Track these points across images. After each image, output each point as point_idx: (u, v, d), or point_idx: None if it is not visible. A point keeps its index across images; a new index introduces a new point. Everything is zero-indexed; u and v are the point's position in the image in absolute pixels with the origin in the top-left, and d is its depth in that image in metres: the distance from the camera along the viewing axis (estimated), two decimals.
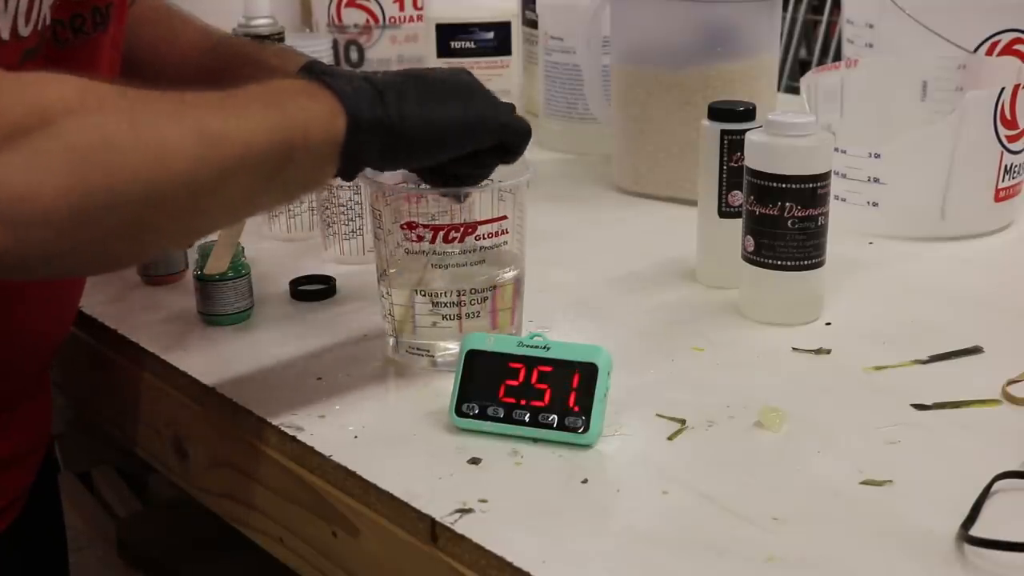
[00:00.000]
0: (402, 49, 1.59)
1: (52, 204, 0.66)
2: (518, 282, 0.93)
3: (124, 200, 0.68)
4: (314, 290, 1.07)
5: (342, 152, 0.78)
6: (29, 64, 0.82)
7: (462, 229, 0.88)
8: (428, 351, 0.92)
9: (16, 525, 0.96)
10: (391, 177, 0.91)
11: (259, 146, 0.74)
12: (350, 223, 1.14)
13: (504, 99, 0.89)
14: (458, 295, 0.90)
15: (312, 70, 0.99)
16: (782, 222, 0.96)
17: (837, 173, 1.16)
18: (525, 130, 0.87)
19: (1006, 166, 1.19)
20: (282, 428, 0.84)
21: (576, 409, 0.80)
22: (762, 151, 0.97)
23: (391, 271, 0.91)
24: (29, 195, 0.65)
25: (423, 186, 0.90)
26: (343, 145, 0.78)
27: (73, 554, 1.16)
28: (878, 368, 0.91)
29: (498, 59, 1.56)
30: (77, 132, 0.67)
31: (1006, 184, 1.20)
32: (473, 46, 1.55)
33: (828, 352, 0.94)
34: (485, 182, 0.90)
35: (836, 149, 1.10)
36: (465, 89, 0.85)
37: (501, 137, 0.86)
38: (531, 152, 0.90)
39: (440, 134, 0.82)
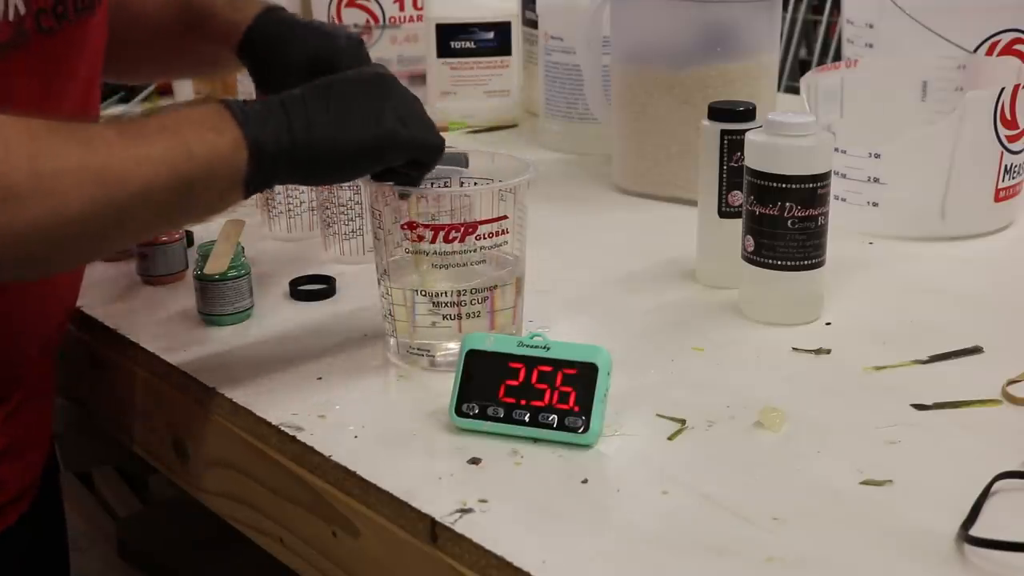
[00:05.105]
0: (402, 49, 1.59)
1: None
2: (518, 282, 0.93)
3: (23, 242, 0.73)
4: (314, 290, 1.07)
5: (245, 182, 0.81)
6: (8, 58, 0.82)
7: (462, 229, 0.88)
8: (428, 351, 0.92)
9: (18, 524, 0.96)
10: None
11: (160, 185, 0.77)
12: (350, 223, 1.14)
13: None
14: (458, 295, 0.90)
15: (267, 21, 1.02)
16: (782, 222, 0.96)
17: (837, 173, 1.16)
18: (437, 145, 0.88)
19: (1006, 166, 1.19)
20: (282, 428, 0.84)
21: (576, 409, 0.80)
22: (762, 151, 0.97)
23: (391, 271, 0.91)
24: None
25: (423, 187, 0.90)
26: (246, 176, 0.81)
27: (73, 554, 1.16)
28: (878, 368, 0.91)
29: (498, 59, 1.55)
30: None
31: (1006, 184, 1.20)
32: (473, 46, 1.55)
33: (828, 352, 0.94)
34: (486, 180, 0.91)
35: (836, 149, 1.10)
36: (379, 102, 0.85)
37: (413, 155, 0.87)
38: (531, 152, 0.90)
39: (348, 159, 0.85)
